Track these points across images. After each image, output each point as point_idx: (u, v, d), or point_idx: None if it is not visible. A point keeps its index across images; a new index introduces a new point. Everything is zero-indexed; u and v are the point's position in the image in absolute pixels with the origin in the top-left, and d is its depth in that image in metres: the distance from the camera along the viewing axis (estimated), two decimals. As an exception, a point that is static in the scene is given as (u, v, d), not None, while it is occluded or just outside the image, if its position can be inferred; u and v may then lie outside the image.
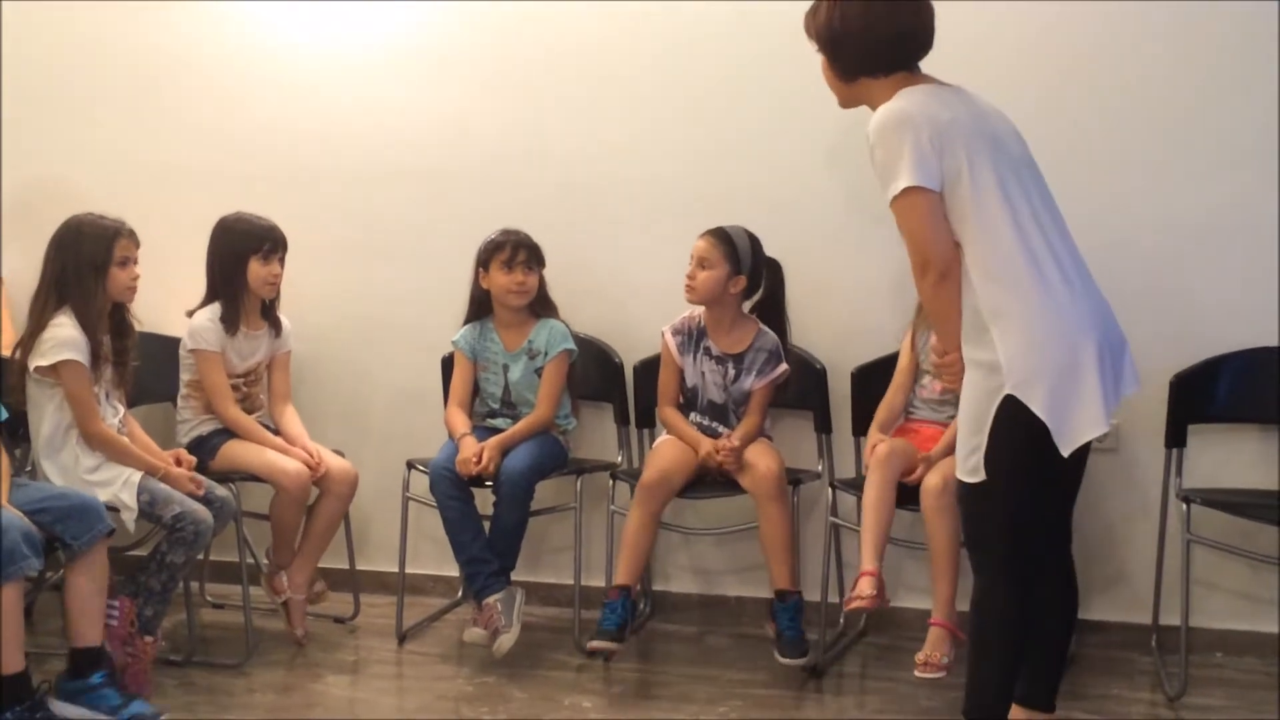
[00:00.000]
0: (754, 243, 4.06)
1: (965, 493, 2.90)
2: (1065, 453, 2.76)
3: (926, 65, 2.93)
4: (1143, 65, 4.01)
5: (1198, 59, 3.97)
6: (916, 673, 3.58)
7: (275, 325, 4.28)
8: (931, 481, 3.70)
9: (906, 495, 3.78)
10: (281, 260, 4.20)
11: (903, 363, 4.04)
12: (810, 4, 2.95)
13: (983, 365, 2.79)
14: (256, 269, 4.15)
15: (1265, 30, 3.88)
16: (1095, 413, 2.75)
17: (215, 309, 4.16)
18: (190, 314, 4.19)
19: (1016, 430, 2.76)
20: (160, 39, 4.72)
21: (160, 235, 4.10)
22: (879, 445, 3.85)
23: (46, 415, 3.79)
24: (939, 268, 2.77)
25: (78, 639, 3.54)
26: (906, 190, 2.74)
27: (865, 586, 3.63)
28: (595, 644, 3.87)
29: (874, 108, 2.85)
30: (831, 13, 2.87)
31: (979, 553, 2.94)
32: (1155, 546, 3.95)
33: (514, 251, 4.17)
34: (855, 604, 3.63)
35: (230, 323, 4.14)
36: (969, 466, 2.84)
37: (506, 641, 3.90)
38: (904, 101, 2.79)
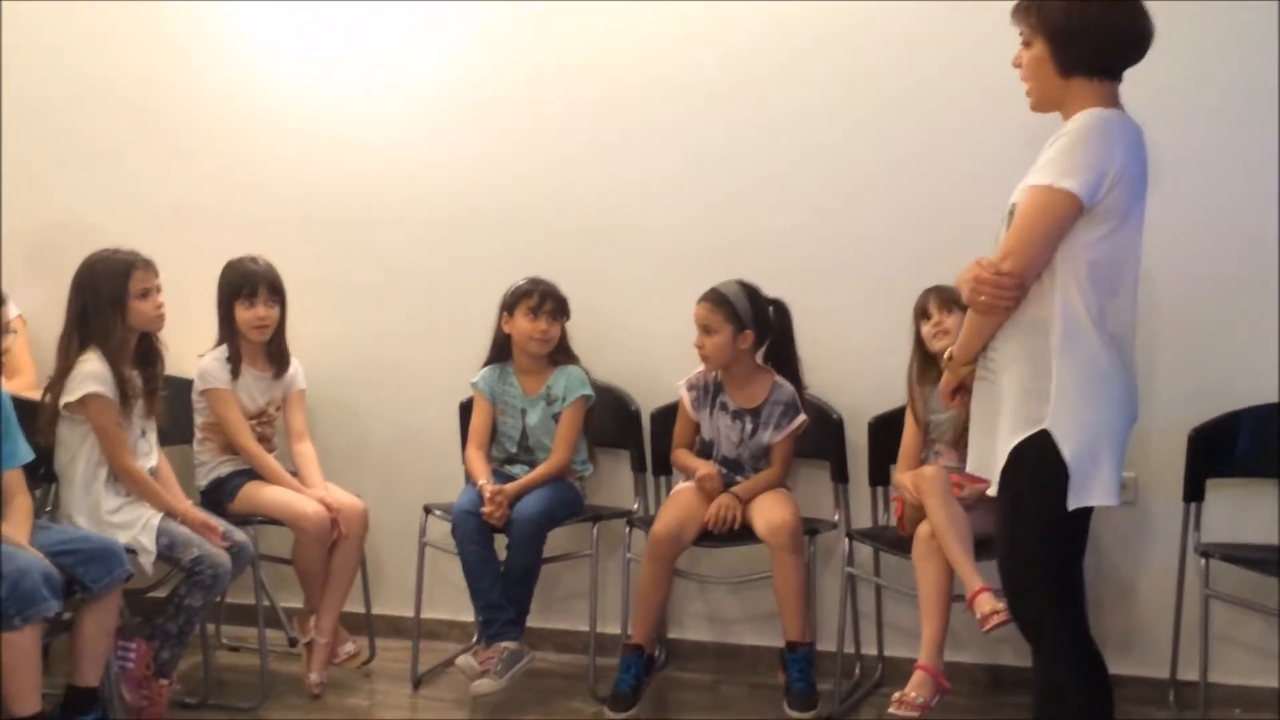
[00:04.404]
0: (750, 293, 4.05)
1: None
2: (1071, 506, 2.71)
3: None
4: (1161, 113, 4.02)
5: (1212, 113, 3.96)
6: (890, 709, 3.55)
7: (281, 365, 4.30)
8: (921, 529, 3.69)
9: (905, 544, 3.77)
10: (270, 302, 4.20)
11: (909, 438, 3.98)
12: None
13: (1031, 393, 2.73)
14: (241, 313, 4.18)
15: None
16: (1112, 482, 2.73)
17: (224, 350, 4.21)
18: (201, 356, 4.23)
19: (1036, 462, 2.72)
20: (180, 80, 4.79)
21: (178, 275, 4.11)
22: (921, 469, 3.78)
23: (79, 454, 3.81)
24: (1020, 268, 2.70)
25: (79, 678, 3.58)
26: (1063, 191, 2.66)
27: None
28: (609, 716, 3.88)
29: (1066, 114, 2.78)
30: (1071, 7, 2.77)
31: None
32: (1173, 601, 3.93)
33: (541, 300, 4.20)
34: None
35: (233, 363, 4.19)
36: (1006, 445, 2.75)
37: (484, 686, 3.88)
38: (1123, 129, 2.73)
